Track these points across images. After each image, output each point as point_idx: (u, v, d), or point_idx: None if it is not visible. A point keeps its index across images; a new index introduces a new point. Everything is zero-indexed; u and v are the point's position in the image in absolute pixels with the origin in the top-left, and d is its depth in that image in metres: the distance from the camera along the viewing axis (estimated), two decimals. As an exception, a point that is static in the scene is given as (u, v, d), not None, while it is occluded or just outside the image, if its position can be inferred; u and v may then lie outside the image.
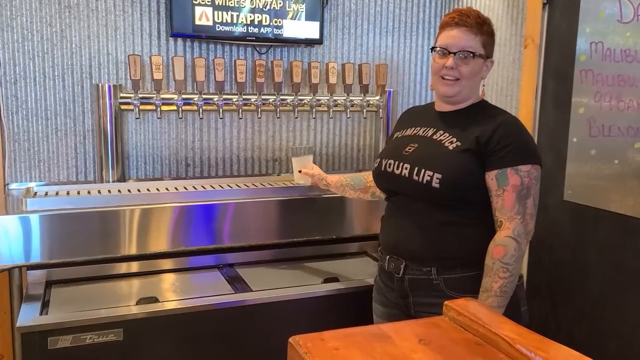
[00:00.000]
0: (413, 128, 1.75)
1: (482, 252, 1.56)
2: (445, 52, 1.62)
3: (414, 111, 1.92)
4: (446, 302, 1.11)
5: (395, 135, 1.82)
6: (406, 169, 1.65)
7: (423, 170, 1.60)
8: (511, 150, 1.54)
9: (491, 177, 1.56)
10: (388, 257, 1.72)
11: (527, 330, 0.98)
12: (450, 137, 1.63)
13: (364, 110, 2.81)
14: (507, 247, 1.51)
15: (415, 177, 1.62)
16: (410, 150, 1.68)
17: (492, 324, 0.98)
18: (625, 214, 1.97)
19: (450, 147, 1.60)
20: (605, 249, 2.06)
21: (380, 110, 2.88)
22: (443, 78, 1.64)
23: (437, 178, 1.57)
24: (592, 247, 2.12)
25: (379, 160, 1.78)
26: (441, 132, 1.66)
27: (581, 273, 2.16)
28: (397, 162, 1.69)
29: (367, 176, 2.03)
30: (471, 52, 1.61)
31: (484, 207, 1.59)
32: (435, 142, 1.64)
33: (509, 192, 1.53)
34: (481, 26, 1.62)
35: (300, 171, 2.25)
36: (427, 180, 1.59)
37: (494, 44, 1.68)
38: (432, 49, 1.68)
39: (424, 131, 1.70)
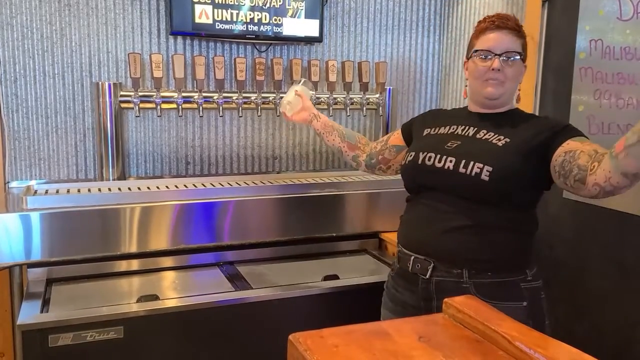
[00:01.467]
0: (449, 127, 1.69)
1: (517, 258, 1.54)
2: (490, 54, 1.58)
3: (442, 112, 1.88)
4: (445, 300, 1.11)
5: (426, 132, 1.75)
6: (451, 161, 1.57)
7: (472, 162, 1.53)
8: (572, 129, 1.52)
9: (565, 149, 1.45)
10: (413, 257, 1.62)
11: (526, 328, 0.98)
12: (497, 135, 1.58)
13: (364, 108, 2.81)
14: None
15: (462, 170, 1.54)
16: (453, 146, 1.61)
17: (492, 321, 0.98)
18: (625, 212, 1.97)
19: (500, 144, 1.55)
20: (604, 246, 2.07)
21: (380, 108, 2.89)
22: (487, 81, 1.60)
23: (487, 170, 1.49)
24: (591, 245, 2.12)
25: (414, 153, 1.69)
26: (484, 131, 1.61)
27: (580, 270, 2.17)
28: (439, 156, 1.60)
29: (361, 138, 2.02)
30: (517, 53, 1.58)
31: (527, 211, 1.57)
32: (481, 140, 1.59)
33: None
34: (521, 29, 1.62)
35: (296, 92, 2.04)
36: (476, 173, 1.51)
37: (527, 46, 1.65)
38: (473, 53, 1.63)
39: (463, 130, 1.65)
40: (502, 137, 1.57)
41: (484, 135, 1.60)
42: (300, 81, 2.08)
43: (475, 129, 1.64)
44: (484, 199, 1.53)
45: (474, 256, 1.53)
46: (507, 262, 1.54)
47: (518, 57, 1.58)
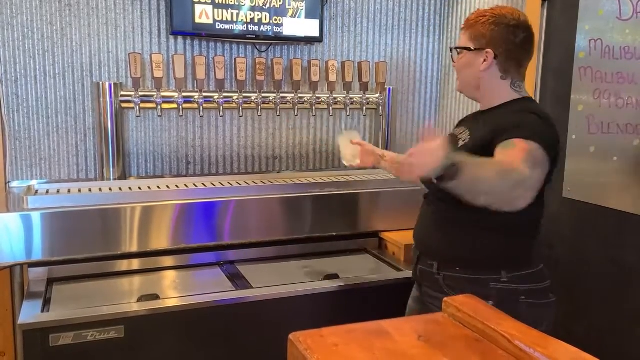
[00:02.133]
0: (458, 128, 1.77)
1: (488, 257, 1.58)
2: None
3: (469, 114, 1.94)
4: (445, 299, 1.12)
5: None
6: None
7: None
8: (519, 127, 1.46)
9: (497, 151, 1.44)
10: (412, 247, 1.83)
11: (525, 327, 0.99)
12: (468, 134, 1.64)
13: (364, 108, 2.81)
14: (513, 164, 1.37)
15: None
16: None
17: (491, 321, 0.99)
18: (624, 211, 1.97)
19: (460, 144, 1.62)
20: (604, 245, 2.07)
21: (380, 107, 2.89)
22: None
23: None
24: (591, 244, 2.12)
25: None
26: (468, 131, 1.67)
27: (580, 269, 2.17)
28: None
29: None
30: (456, 48, 1.69)
31: (504, 212, 1.52)
32: (455, 141, 1.66)
33: (517, 150, 1.39)
34: (469, 21, 1.66)
35: (352, 141, 2.07)
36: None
37: (491, 33, 1.61)
38: None
39: (461, 132, 1.71)
40: (468, 138, 1.62)
41: (464, 135, 1.67)
42: (346, 131, 2.22)
43: (465, 128, 1.71)
44: (444, 198, 1.57)
45: (444, 251, 1.66)
46: (475, 260, 1.59)
47: (456, 51, 1.69)
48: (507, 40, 1.62)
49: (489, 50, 1.62)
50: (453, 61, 1.73)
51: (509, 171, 1.34)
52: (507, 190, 1.34)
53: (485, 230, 1.57)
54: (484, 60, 1.62)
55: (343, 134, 2.13)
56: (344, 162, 2.10)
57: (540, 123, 1.52)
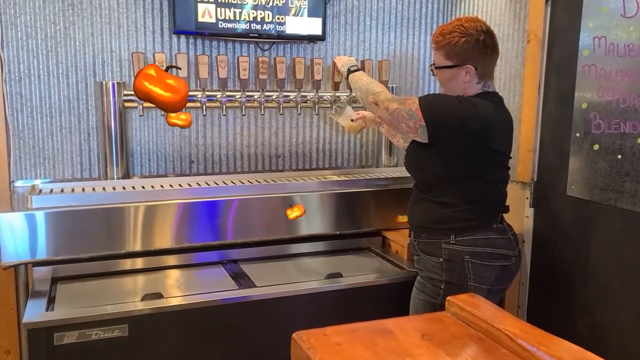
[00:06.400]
0: None
1: (439, 225, 1.90)
2: None
3: None
4: (448, 298, 1.12)
5: None
6: None
7: None
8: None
9: None
10: None
11: (529, 325, 0.99)
12: None
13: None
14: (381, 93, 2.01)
15: None
16: None
17: (494, 319, 0.99)
18: (628, 209, 1.97)
19: None
20: (607, 244, 2.07)
21: (383, 106, 2.88)
22: None
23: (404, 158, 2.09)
24: (594, 242, 2.12)
25: None
26: None
27: (583, 268, 2.16)
28: None
29: None
30: (432, 65, 1.97)
31: (439, 187, 1.91)
32: None
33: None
34: (438, 42, 1.90)
35: (352, 120, 2.56)
36: None
37: (465, 52, 1.85)
38: None
39: None
40: None
41: None
42: (338, 111, 2.64)
43: None
44: (420, 184, 1.99)
45: (414, 223, 2.03)
46: (431, 227, 1.93)
47: (433, 67, 1.95)
48: (480, 53, 1.87)
49: (468, 66, 1.87)
50: (433, 74, 1.99)
51: (373, 90, 2.03)
52: (364, 95, 2.07)
53: (437, 204, 1.91)
54: (466, 73, 1.88)
55: (340, 114, 2.61)
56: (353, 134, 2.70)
57: (444, 98, 1.91)
